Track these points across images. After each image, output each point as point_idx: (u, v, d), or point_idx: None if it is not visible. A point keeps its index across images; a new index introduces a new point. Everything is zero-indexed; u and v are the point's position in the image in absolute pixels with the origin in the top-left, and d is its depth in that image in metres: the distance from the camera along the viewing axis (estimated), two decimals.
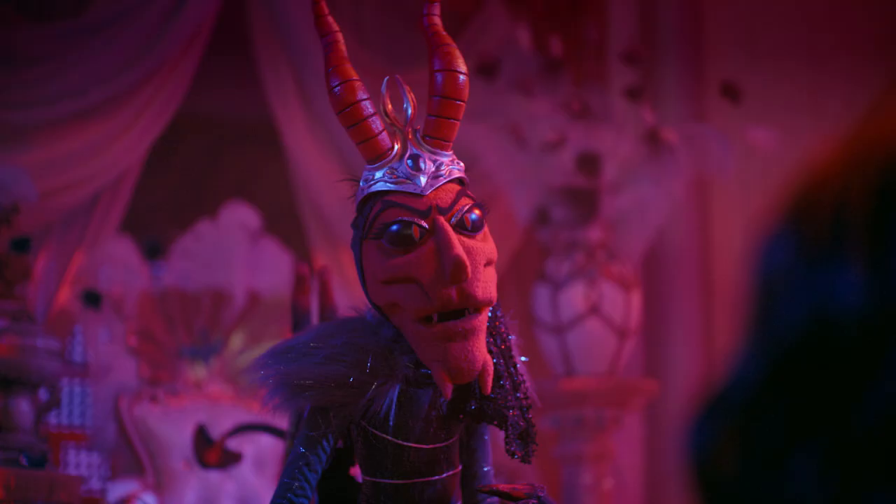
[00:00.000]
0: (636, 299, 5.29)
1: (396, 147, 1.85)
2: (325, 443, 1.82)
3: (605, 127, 5.25)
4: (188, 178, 6.13)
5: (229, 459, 3.88)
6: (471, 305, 1.78)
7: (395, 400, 1.80)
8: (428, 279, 1.77)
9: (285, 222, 5.63)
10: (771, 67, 5.72)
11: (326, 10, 1.90)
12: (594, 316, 5.20)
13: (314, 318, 2.53)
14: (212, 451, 3.83)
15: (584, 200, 5.26)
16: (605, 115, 5.32)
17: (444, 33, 1.88)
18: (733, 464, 0.65)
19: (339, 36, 1.89)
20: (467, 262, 1.76)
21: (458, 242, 1.78)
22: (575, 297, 5.21)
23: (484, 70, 5.07)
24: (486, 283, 1.80)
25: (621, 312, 5.23)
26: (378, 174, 1.85)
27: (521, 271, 5.60)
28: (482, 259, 1.81)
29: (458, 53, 1.87)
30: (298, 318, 2.49)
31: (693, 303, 5.76)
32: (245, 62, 5.46)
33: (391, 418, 1.81)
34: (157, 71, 5.16)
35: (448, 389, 1.78)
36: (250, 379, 1.87)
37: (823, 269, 0.65)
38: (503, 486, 1.87)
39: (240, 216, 5.37)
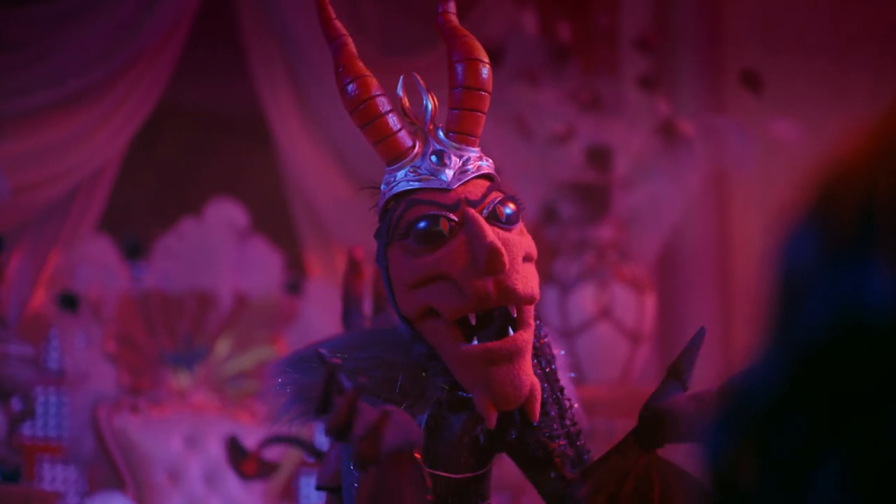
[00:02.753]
0: (650, 302, 5.29)
1: (417, 145, 1.82)
2: None
3: (616, 118, 5.25)
4: (171, 172, 6.13)
5: (267, 469, 3.93)
6: (511, 301, 1.73)
7: (423, 424, 1.77)
8: (461, 273, 1.72)
9: (275, 220, 5.63)
10: (793, 55, 5.72)
11: (333, 14, 1.88)
12: (605, 320, 5.21)
13: (367, 307, 2.51)
14: (248, 462, 3.85)
15: (594, 197, 5.27)
16: (616, 105, 5.32)
17: (461, 27, 1.88)
18: (752, 475, 0.64)
19: (349, 39, 1.86)
20: (502, 250, 1.71)
21: (491, 231, 1.74)
22: (585, 299, 5.21)
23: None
24: (526, 278, 1.74)
25: (634, 316, 5.23)
26: (399, 175, 1.82)
27: None
28: (520, 252, 1.76)
29: (478, 45, 1.86)
30: (350, 306, 2.47)
31: (710, 305, 5.76)
32: (232, 50, 5.46)
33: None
34: (138, 59, 5.17)
35: (492, 418, 1.73)
36: (265, 386, 1.83)
37: (849, 267, 0.65)
38: None
39: (226, 213, 5.37)
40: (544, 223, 5.33)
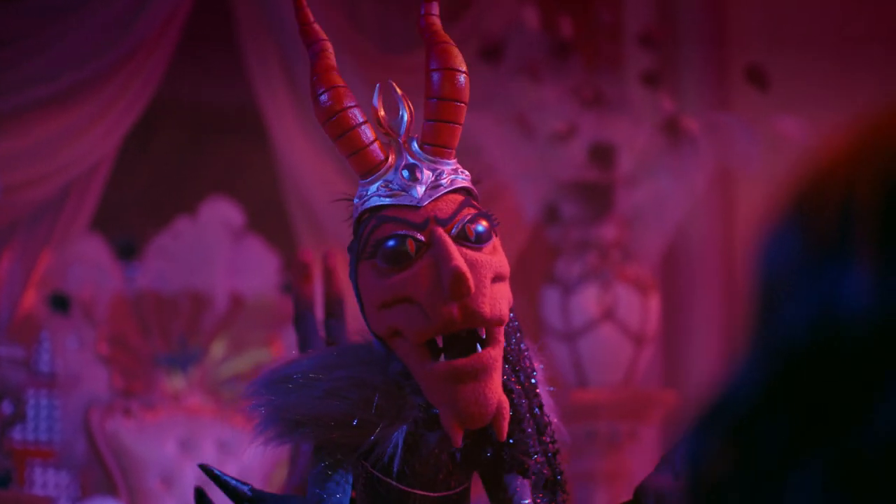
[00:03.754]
0: (654, 303, 5.29)
1: (390, 158, 1.80)
2: (341, 471, 1.79)
3: (619, 116, 5.25)
4: (165, 171, 6.13)
5: None
6: (477, 324, 1.71)
7: (400, 444, 1.74)
8: (425, 297, 1.71)
9: (271, 219, 5.63)
10: (799, 51, 5.72)
11: (312, 18, 1.87)
12: (608, 321, 5.20)
13: (318, 311, 2.51)
14: None
15: (596, 196, 5.26)
16: (619, 102, 5.32)
17: (443, 32, 1.86)
18: (729, 478, 0.65)
19: (328, 45, 1.85)
20: (468, 274, 1.69)
21: (457, 253, 1.72)
22: (587, 300, 5.21)
23: (487, 53, 5.07)
24: (493, 300, 1.73)
25: (638, 317, 5.23)
26: (372, 189, 1.80)
27: (529, 273, 5.60)
28: (489, 273, 1.74)
29: (457, 52, 1.84)
30: (300, 312, 2.47)
31: (716, 307, 5.76)
32: (228, 46, 5.46)
33: (396, 463, 1.77)
34: (132, 55, 5.17)
35: (458, 437, 1.72)
36: (241, 408, 1.82)
37: (829, 268, 0.65)
38: None
39: (221, 213, 5.37)
40: (546, 223, 5.33)
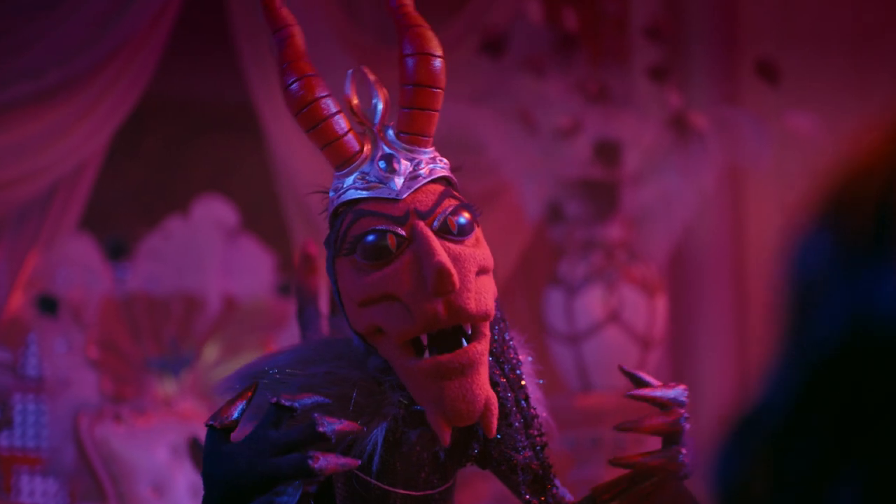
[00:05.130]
0: (661, 305, 5.29)
1: (366, 149, 1.81)
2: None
3: (625, 111, 5.26)
4: (156, 168, 6.13)
5: None
6: (463, 321, 1.72)
7: (380, 442, 1.75)
8: (408, 294, 1.71)
9: (266, 218, 5.63)
10: (811, 45, 5.72)
11: (278, 3, 1.86)
12: (613, 324, 5.21)
13: (323, 305, 2.51)
14: None
15: (602, 194, 5.27)
16: (625, 97, 5.32)
17: (416, 13, 1.84)
18: (765, 494, 0.64)
19: (295, 30, 1.83)
20: (452, 269, 1.70)
21: (440, 248, 1.72)
22: (592, 302, 5.21)
23: (489, 47, 5.06)
24: (479, 294, 1.73)
25: (644, 320, 5.23)
26: (348, 181, 1.81)
27: (531, 274, 5.60)
28: (472, 266, 1.74)
29: (431, 35, 1.82)
30: (304, 304, 2.47)
31: (725, 309, 5.76)
32: (221, 38, 5.46)
33: (375, 461, 1.77)
34: (121, 48, 5.16)
35: (446, 436, 1.72)
36: (216, 402, 1.82)
37: (865, 270, 0.65)
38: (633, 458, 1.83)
39: (214, 212, 5.37)
40: (550, 222, 5.33)
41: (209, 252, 5.34)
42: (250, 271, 5.37)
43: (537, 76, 5.22)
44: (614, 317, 5.21)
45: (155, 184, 6.06)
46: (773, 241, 5.55)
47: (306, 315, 2.41)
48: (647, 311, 5.24)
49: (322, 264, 2.39)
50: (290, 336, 5.32)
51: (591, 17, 5.67)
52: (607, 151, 5.21)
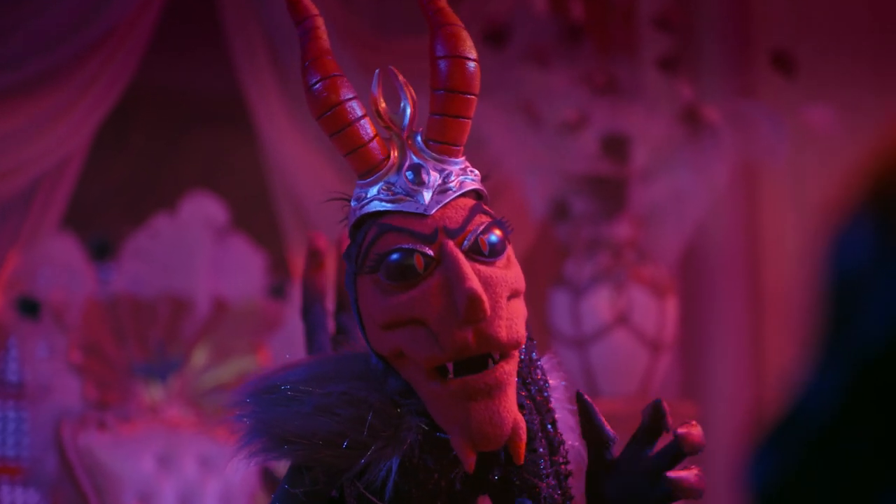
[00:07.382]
0: (671, 307, 5.29)
1: (392, 156, 1.76)
2: (317, 501, 1.76)
3: (634, 104, 5.26)
4: (142, 164, 6.13)
5: None
6: (493, 350, 1.69)
7: (395, 469, 1.71)
8: (436, 320, 1.67)
9: (257, 217, 5.63)
10: (829, 35, 5.73)
11: None
12: (622, 326, 5.21)
13: (329, 302, 2.49)
14: None
15: (609, 191, 5.27)
16: (634, 90, 5.33)
17: (450, 10, 1.80)
18: (809, 500, 0.63)
19: (320, 21, 1.78)
20: (484, 297, 1.66)
21: (471, 272, 1.68)
22: (599, 304, 5.22)
23: (492, 37, 5.07)
24: (510, 321, 1.70)
25: (654, 322, 5.24)
26: (372, 191, 1.76)
27: (536, 274, 5.59)
28: (504, 291, 1.71)
29: (466, 36, 1.76)
30: (311, 302, 2.45)
31: (739, 311, 5.76)
32: (210, 28, 5.46)
33: (389, 487, 1.74)
34: (105, 38, 5.17)
35: (471, 461, 1.70)
36: (224, 418, 1.79)
37: None
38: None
39: (203, 209, 5.37)
40: (554, 220, 5.33)
41: (198, 252, 5.34)
42: (241, 272, 5.37)
43: (542, 67, 5.22)
44: (623, 319, 5.21)
45: (141, 180, 6.06)
46: (790, 239, 5.56)
47: (313, 314, 2.39)
48: (657, 313, 5.25)
49: (329, 260, 2.37)
50: (282, 339, 5.32)
51: (598, 5, 5.68)
52: (615, 146, 5.21)
